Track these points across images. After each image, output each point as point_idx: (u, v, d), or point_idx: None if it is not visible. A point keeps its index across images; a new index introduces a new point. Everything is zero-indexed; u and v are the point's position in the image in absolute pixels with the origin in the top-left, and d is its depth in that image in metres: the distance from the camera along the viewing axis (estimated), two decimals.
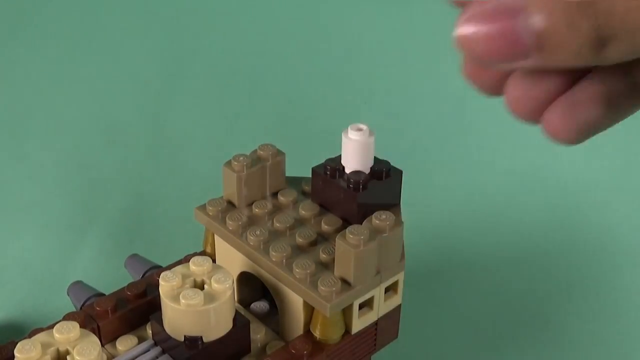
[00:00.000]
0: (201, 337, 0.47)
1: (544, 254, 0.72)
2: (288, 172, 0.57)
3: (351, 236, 0.47)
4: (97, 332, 0.52)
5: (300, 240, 0.52)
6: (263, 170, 0.55)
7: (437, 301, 0.67)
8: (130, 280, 0.59)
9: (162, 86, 0.83)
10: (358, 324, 0.50)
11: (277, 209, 0.55)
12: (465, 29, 0.34)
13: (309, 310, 0.50)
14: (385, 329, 0.53)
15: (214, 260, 0.56)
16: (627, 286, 0.70)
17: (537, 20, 0.32)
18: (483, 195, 0.78)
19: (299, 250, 0.51)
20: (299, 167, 0.59)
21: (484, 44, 0.34)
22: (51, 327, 0.47)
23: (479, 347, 0.63)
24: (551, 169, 0.79)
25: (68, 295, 0.61)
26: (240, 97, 0.82)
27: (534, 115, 0.37)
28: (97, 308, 0.52)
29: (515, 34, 0.33)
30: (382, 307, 0.52)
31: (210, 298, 0.47)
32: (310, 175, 0.56)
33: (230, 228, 0.53)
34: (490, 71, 0.38)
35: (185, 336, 0.48)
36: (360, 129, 0.52)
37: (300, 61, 0.86)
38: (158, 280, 0.49)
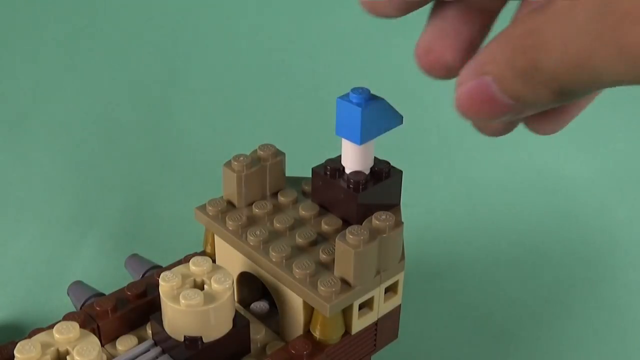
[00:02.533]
0: (201, 338, 0.47)
1: (544, 254, 0.72)
2: (288, 172, 0.57)
3: (351, 237, 0.47)
4: (97, 332, 0.52)
5: (300, 240, 0.52)
6: (263, 170, 0.55)
7: (437, 302, 0.67)
8: (130, 280, 0.59)
9: (162, 86, 0.83)
10: (358, 324, 0.50)
11: (277, 209, 0.55)
12: (456, 94, 0.38)
13: (309, 310, 0.50)
14: (385, 329, 0.53)
15: (213, 261, 0.56)
16: (626, 285, 0.70)
17: (503, 87, 0.36)
18: (483, 195, 0.78)
19: (298, 250, 0.51)
20: (299, 167, 0.59)
21: (467, 105, 0.38)
22: (51, 327, 0.47)
23: (479, 346, 0.63)
24: (551, 169, 0.79)
25: (68, 295, 0.61)
26: (241, 97, 0.82)
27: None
28: (97, 308, 0.52)
29: (489, 95, 0.36)
30: (382, 307, 0.52)
31: (210, 298, 0.47)
32: (310, 175, 0.56)
33: (230, 228, 0.53)
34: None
35: (185, 336, 0.48)
36: None
37: (300, 60, 0.86)
38: (158, 280, 0.49)
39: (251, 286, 0.56)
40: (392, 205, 0.54)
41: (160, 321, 0.49)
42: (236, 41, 0.91)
